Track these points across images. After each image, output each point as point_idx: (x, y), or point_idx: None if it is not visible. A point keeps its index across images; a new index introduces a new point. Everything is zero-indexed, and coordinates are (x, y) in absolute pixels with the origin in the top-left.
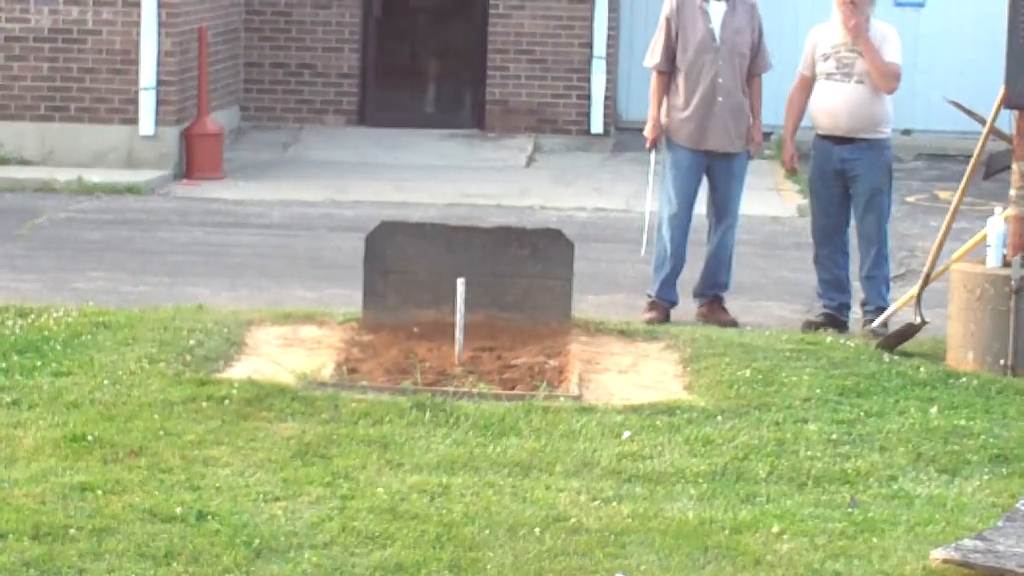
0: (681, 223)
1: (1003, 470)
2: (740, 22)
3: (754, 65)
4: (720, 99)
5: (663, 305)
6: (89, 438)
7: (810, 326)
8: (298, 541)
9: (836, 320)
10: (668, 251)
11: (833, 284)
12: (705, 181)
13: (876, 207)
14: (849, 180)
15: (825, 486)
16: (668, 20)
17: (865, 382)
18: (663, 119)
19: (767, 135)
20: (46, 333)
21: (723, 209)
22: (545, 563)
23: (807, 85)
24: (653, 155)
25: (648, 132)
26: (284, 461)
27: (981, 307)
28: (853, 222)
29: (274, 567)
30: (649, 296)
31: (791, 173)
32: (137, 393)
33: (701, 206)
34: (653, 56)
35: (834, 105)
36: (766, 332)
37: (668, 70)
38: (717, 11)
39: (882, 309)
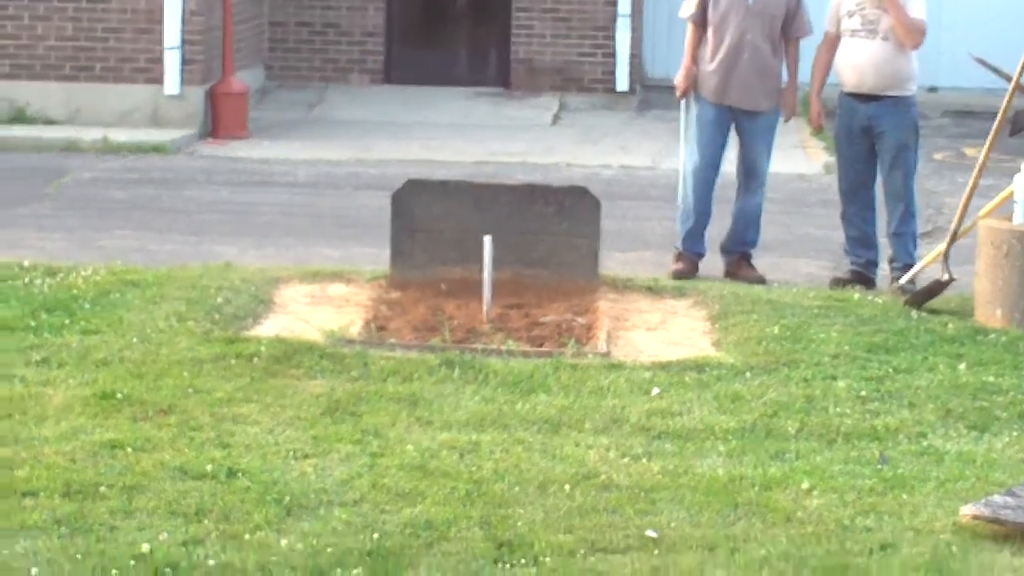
0: (706, 177)
1: None
2: None
3: (790, 28)
4: (746, 55)
5: (690, 257)
6: (118, 396)
7: (838, 283)
8: (328, 498)
9: (864, 277)
10: (692, 203)
11: (860, 241)
12: (735, 139)
13: (903, 164)
14: (875, 137)
15: (854, 442)
16: None
17: (894, 339)
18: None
19: None
20: (74, 292)
21: (749, 168)
22: (575, 520)
23: (833, 43)
24: (684, 105)
25: (679, 80)
26: (313, 419)
27: (1009, 263)
28: (880, 179)
29: (304, 524)
30: (676, 248)
31: (818, 131)
32: (166, 351)
33: (731, 164)
34: (688, 7)
35: (860, 62)
36: (794, 289)
37: (701, 22)
38: None
39: (910, 266)
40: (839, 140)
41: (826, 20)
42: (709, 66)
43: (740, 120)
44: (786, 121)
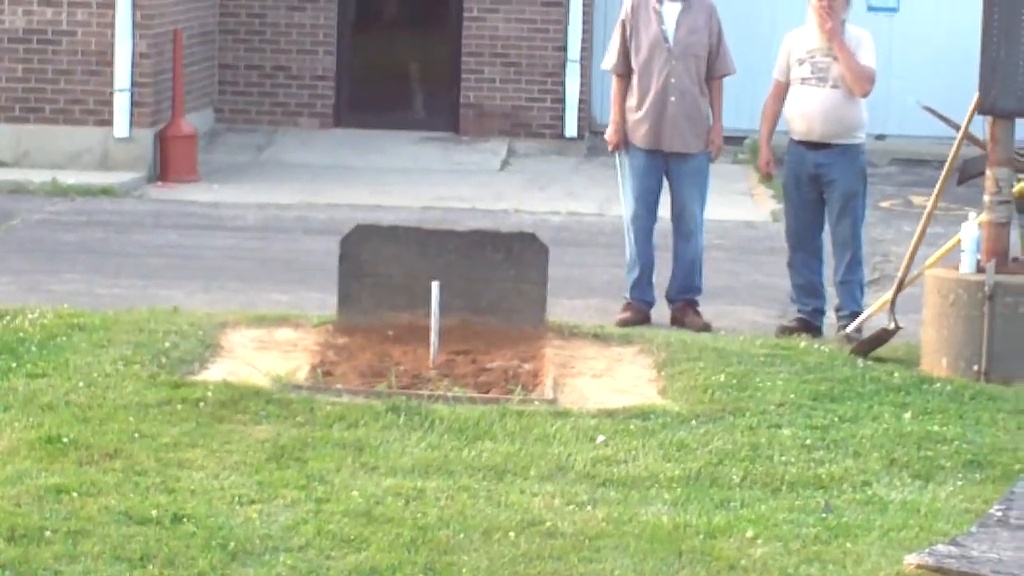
0: (643, 225)
1: (976, 476)
2: (696, 23)
3: (713, 68)
4: (673, 99)
5: (637, 306)
6: (64, 440)
7: (784, 331)
8: (273, 544)
9: (810, 325)
10: (635, 254)
11: (807, 289)
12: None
13: (850, 212)
14: (823, 185)
15: (799, 491)
16: (623, 23)
17: (839, 387)
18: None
19: (741, 139)
20: (21, 335)
21: (681, 212)
22: (520, 567)
23: (782, 91)
24: (618, 158)
25: (610, 136)
26: (259, 464)
27: (955, 312)
28: (827, 227)
29: (249, 570)
30: (624, 298)
31: (767, 178)
32: (112, 395)
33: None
34: (609, 59)
35: (809, 110)
36: (740, 337)
37: (625, 73)
38: (671, 12)
39: (856, 314)
40: (787, 188)
41: (776, 68)
42: (637, 114)
43: (671, 164)
44: (712, 161)
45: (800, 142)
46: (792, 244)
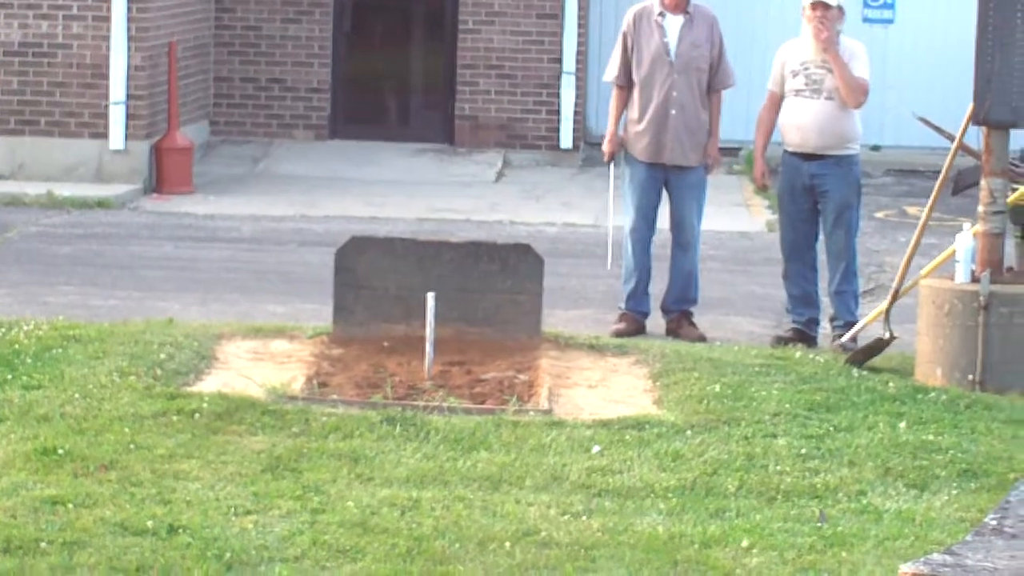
0: (641, 236)
1: (971, 485)
2: (697, 37)
3: (714, 80)
4: (674, 112)
5: (633, 317)
6: (60, 452)
7: (779, 341)
8: (269, 555)
9: (805, 335)
10: (632, 264)
11: (802, 299)
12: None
13: (845, 222)
14: (818, 196)
15: (794, 500)
16: (624, 35)
17: (834, 397)
18: (621, 133)
19: (736, 150)
20: (16, 347)
21: (679, 224)
22: None
23: (776, 102)
24: (612, 168)
25: (605, 146)
26: (254, 475)
27: (950, 322)
28: (822, 238)
29: None
30: (620, 308)
31: (762, 189)
32: (108, 407)
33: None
34: (611, 70)
35: (803, 122)
36: (735, 347)
37: (625, 84)
38: (673, 25)
39: (851, 324)
40: (782, 199)
41: (770, 80)
42: (638, 127)
43: (670, 177)
44: (708, 173)
45: (794, 153)
46: (787, 255)
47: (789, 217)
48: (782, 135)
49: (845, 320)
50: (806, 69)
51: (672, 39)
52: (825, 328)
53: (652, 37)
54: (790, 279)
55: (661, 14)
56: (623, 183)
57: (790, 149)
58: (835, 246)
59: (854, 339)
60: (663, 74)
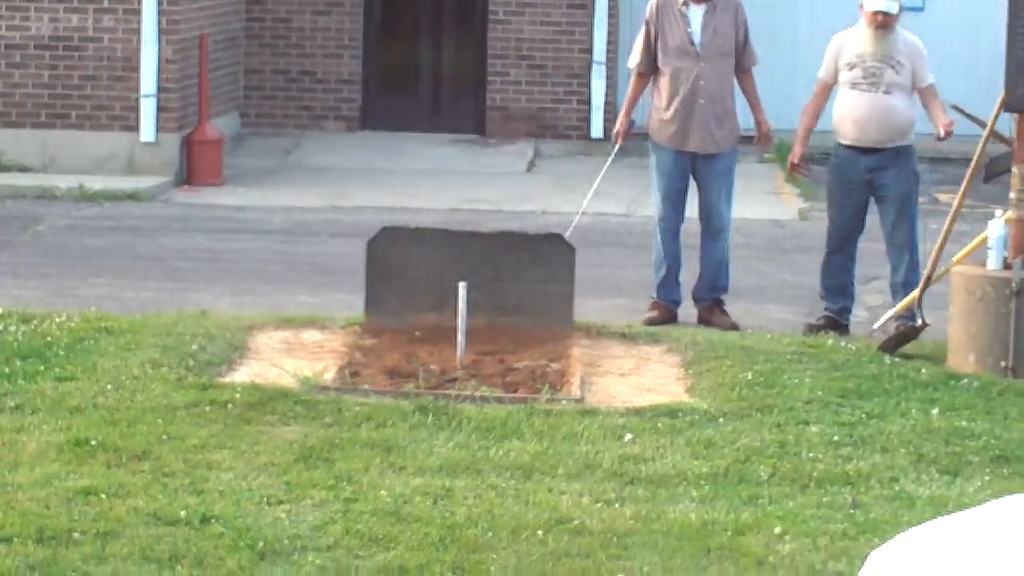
0: (670, 225)
1: (1004, 471)
2: (722, 24)
3: (742, 62)
4: (702, 101)
5: (664, 305)
6: (92, 442)
7: (812, 329)
8: (302, 544)
9: (837, 323)
10: (662, 253)
11: (839, 289)
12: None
13: (908, 214)
14: (876, 189)
15: (827, 487)
16: (647, 24)
17: (866, 384)
18: (645, 120)
19: None
20: (49, 339)
21: (709, 212)
22: (548, 565)
23: (826, 91)
24: (615, 150)
25: (616, 126)
26: (287, 465)
27: (982, 309)
28: (884, 231)
29: (278, 570)
30: (652, 297)
31: (794, 172)
32: (140, 398)
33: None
34: (634, 57)
35: (861, 116)
36: (767, 335)
37: (648, 72)
38: (696, 14)
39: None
40: (834, 191)
41: (822, 68)
42: (665, 115)
43: (699, 164)
44: (766, 152)
45: (850, 147)
46: (833, 246)
47: (841, 210)
48: (836, 128)
49: (913, 311)
50: (863, 62)
51: (696, 28)
52: (857, 316)
53: (675, 27)
54: (829, 270)
55: (684, 3)
56: (650, 172)
57: (846, 143)
58: (900, 238)
59: (885, 327)
60: (689, 63)
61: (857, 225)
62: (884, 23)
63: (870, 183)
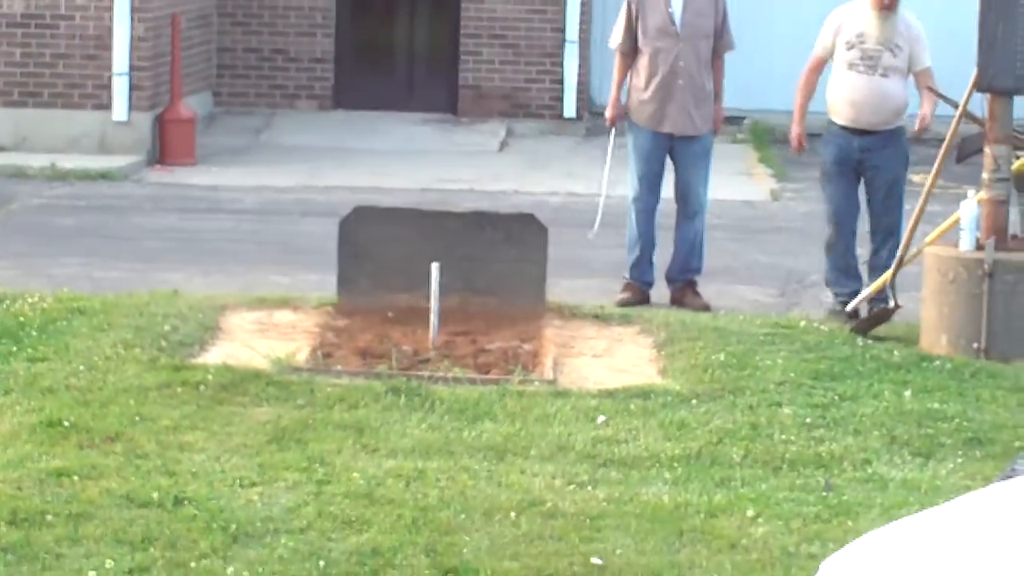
0: (645, 205)
1: (977, 453)
2: (702, 5)
3: (718, 46)
4: (681, 82)
5: (637, 286)
6: (65, 423)
7: (845, 316)
8: (274, 526)
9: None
10: (636, 234)
11: (846, 272)
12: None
13: (897, 196)
14: (867, 170)
15: (800, 469)
16: (629, 3)
17: (839, 366)
18: (624, 100)
19: (740, 119)
20: (21, 319)
21: (686, 193)
22: (521, 547)
23: (821, 66)
24: (612, 134)
25: (608, 112)
26: (260, 446)
27: (954, 290)
28: (869, 211)
29: (251, 552)
30: (624, 278)
31: (798, 153)
32: (112, 379)
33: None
34: (615, 37)
35: (858, 98)
36: (740, 316)
37: (629, 51)
38: None
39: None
40: (829, 172)
41: (818, 43)
42: (643, 95)
43: (676, 145)
44: (715, 135)
45: (844, 128)
46: (835, 229)
47: (839, 190)
48: (831, 109)
49: (886, 292)
50: (862, 43)
51: (677, 9)
52: (827, 297)
53: (657, 7)
54: (836, 252)
55: None
56: (627, 152)
57: (839, 123)
58: (888, 220)
59: (857, 309)
60: (669, 44)
61: (854, 205)
62: (891, 4)
63: (861, 164)
